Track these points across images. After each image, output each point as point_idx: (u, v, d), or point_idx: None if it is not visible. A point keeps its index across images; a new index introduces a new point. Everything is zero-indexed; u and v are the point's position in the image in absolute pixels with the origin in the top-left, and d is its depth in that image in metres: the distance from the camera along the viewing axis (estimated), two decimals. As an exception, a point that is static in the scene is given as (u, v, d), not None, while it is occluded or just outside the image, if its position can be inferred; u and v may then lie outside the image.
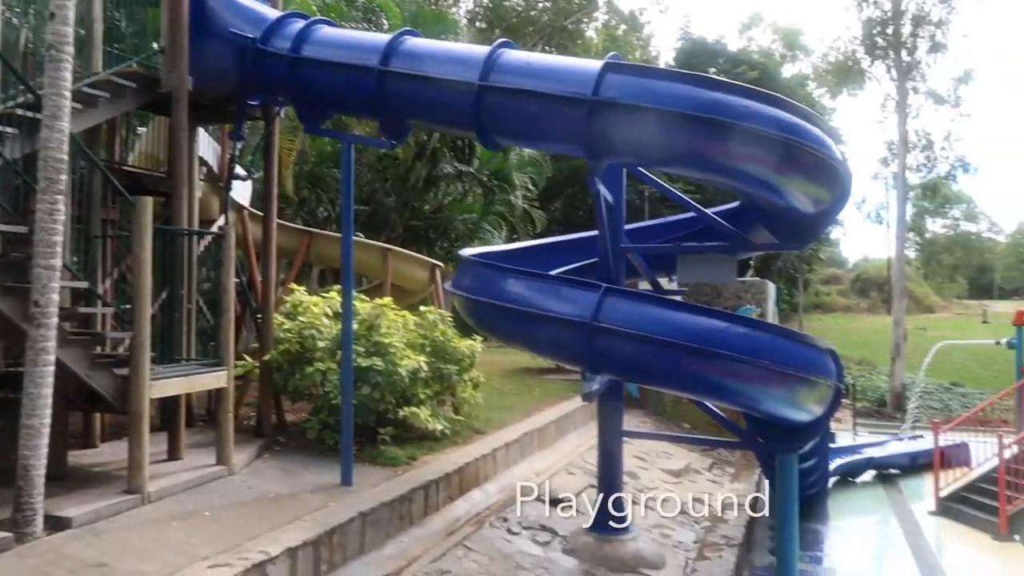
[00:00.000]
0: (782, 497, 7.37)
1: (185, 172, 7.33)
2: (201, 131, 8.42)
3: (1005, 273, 76.06)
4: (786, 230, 6.92)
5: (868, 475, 13.45)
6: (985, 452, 10.95)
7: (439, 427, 8.49)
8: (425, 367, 8.41)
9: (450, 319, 9.40)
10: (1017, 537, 9.71)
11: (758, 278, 13.93)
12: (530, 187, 18.75)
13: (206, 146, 9.11)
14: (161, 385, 6.03)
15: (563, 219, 26.61)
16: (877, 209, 41.80)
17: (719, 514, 9.29)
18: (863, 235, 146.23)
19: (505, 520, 7.38)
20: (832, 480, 12.40)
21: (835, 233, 49.69)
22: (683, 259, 7.36)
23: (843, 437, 16.32)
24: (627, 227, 8.12)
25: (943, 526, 10.44)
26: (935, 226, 71.79)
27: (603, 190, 6.72)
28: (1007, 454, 10.18)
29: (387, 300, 8.87)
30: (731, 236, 7.04)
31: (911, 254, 66.79)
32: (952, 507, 10.71)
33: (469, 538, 6.77)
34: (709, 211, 7.69)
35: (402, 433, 8.39)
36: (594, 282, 6.23)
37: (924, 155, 26.54)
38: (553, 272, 7.25)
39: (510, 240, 17.33)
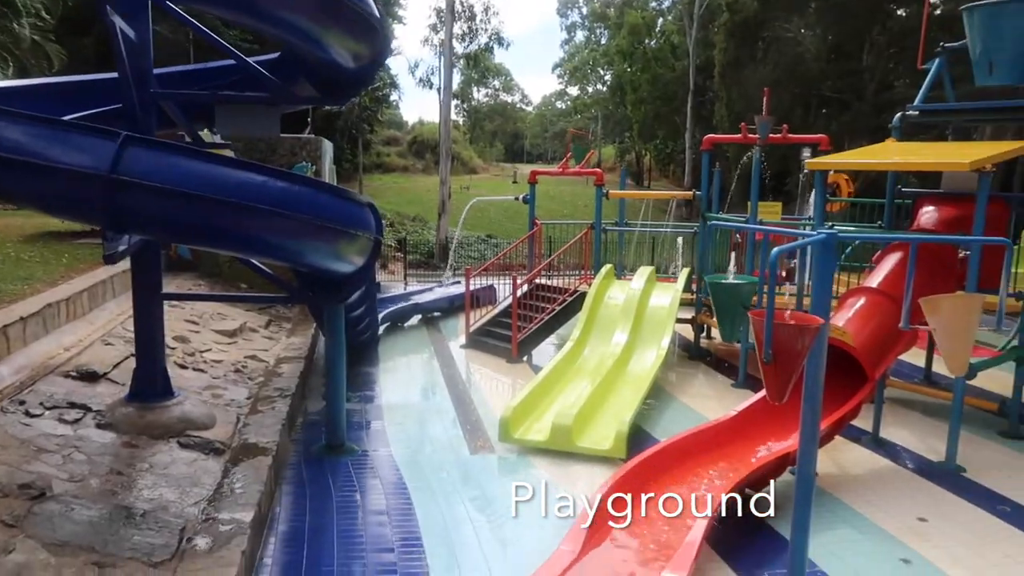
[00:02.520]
0: (330, 345, 7.77)
1: None
2: None
3: (532, 140, 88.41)
4: (327, 84, 6.91)
5: (415, 320, 14.90)
6: (505, 292, 12.94)
7: (-77, 305, 6.98)
8: None
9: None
10: (525, 359, 11.81)
11: (314, 136, 13.85)
12: (44, 15, 15.57)
13: None
14: None
15: (97, 58, 22.92)
16: (428, 74, 44.36)
17: (273, 369, 9.47)
18: (419, 99, 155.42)
19: (22, 403, 6.49)
20: (384, 326, 13.51)
21: (394, 96, 51.85)
22: (221, 109, 6.89)
23: (396, 287, 17.82)
24: (159, 71, 7.27)
25: (471, 356, 12.17)
26: (480, 95, 79.53)
27: (121, 23, 5.85)
28: (519, 293, 12.18)
29: None
30: (273, 87, 6.78)
31: (460, 120, 73.32)
32: (478, 340, 12.52)
33: (-28, 428, 5.83)
34: (251, 60, 7.28)
35: None
36: (112, 129, 5.48)
37: (467, 25, 28.66)
38: (68, 118, 6.22)
39: (19, 78, 14.37)
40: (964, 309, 3.79)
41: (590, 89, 67.03)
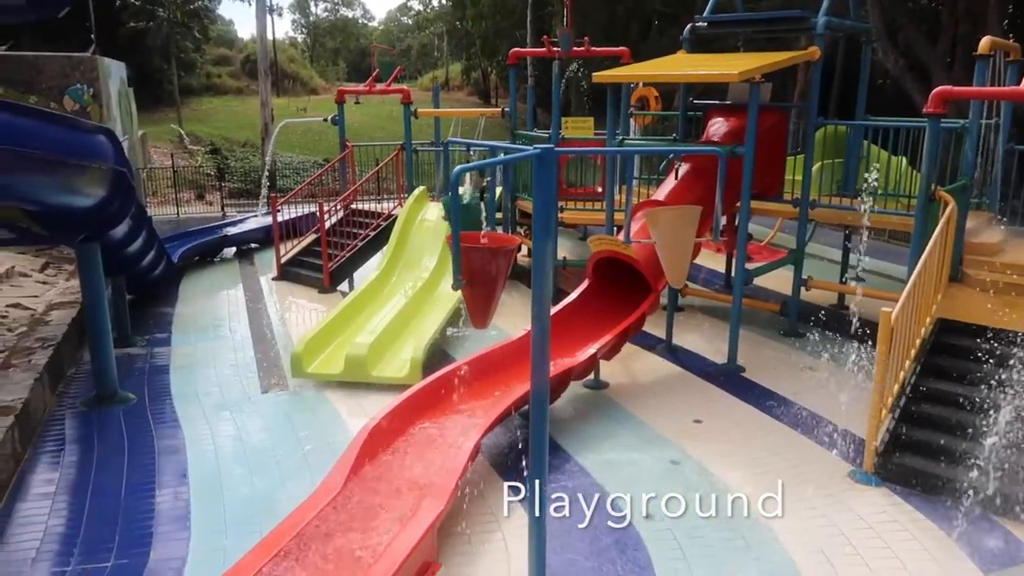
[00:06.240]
0: (87, 287, 7.05)
1: None
2: None
3: (380, 57, 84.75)
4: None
5: (229, 253, 14.04)
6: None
7: None
8: None
9: None
10: (339, 289, 11.39)
11: (89, 55, 12.33)
12: None
13: None
14: None
15: None
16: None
17: (41, 316, 8.57)
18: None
19: None
20: (192, 260, 12.67)
21: (220, 10, 47.90)
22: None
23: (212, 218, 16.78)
24: None
25: (282, 288, 11.59)
26: (318, 9, 75.14)
27: None
28: (334, 219, 11.70)
29: None
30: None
31: (299, 37, 69.10)
32: (290, 271, 11.95)
33: None
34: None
35: None
36: None
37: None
38: None
39: None
40: (681, 222, 3.79)
41: (434, 3, 64.74)
